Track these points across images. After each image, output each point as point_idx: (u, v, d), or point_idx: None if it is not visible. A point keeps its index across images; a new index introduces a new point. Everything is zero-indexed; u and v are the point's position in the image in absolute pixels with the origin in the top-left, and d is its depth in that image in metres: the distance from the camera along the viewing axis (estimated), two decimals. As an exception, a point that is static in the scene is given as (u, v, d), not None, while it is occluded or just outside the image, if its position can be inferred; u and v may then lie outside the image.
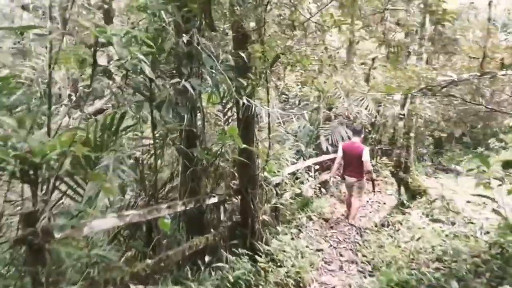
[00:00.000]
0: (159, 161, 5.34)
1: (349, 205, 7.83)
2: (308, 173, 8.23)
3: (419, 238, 5.50)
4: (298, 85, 9.99)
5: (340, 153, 7.56)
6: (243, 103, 3.69)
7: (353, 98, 10.74)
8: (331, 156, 10.29)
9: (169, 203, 3.59)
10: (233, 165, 5.10)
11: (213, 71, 3.56)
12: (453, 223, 5.37)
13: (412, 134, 6.82)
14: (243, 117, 4.32)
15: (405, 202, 6.87)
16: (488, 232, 4.82)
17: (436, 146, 16.76)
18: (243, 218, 4.94)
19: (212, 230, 4.45)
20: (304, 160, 8.72)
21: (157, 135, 4.48)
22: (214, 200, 4.48)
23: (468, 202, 6.45)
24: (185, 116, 3.66)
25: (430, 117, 12.39)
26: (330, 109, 11.98)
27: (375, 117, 11.69)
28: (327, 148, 10.29)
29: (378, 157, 12.10)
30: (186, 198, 4.05)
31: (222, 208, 4.81)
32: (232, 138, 3.94)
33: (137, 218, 3.14)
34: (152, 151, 5.06)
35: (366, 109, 10.89)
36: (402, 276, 4.10)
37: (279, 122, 8.49)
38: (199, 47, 3.59)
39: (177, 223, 4.42)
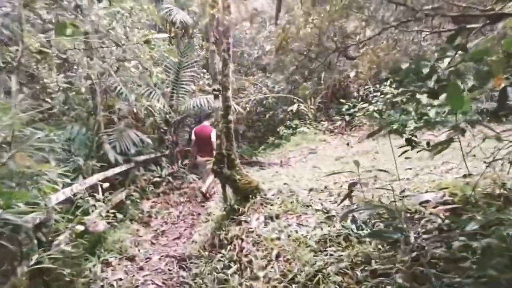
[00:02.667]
0: None
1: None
2: (94, 196, 5.51)
3: (277, 257, 3.76)
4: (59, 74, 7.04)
5: (193, 137, 8.50)
6: None
7: (139, 91, 8.43)
8: (124, 167, 7.74)
9: None
10: None
11: None
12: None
13: (231, 117, 5.10)
14: None
15: (236, 207, 5.12)
16: (364, 226, 3.48)
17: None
18: None
19: None
20: (84, 178, 5.94)
21: None
22: None
23: (311, 190, 5.22)
24: None
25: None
26: (111, 111, 9.34)
27: (169, 113, 9.70)
28: (115, 158, 7.66)
29: (179, 161, 10.19)
30: None
31: None
32: None
33: None
34: None
35: (158, 102, 8.76)
36: None
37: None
38: None
39: None
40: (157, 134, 9.89)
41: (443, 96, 9.40)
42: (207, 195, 8.48)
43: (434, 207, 3.40)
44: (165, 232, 7.01)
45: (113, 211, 6.27)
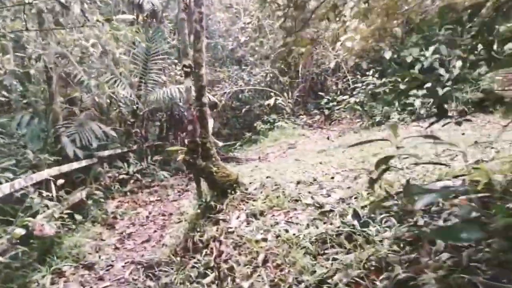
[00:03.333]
0: None
1: None
2: (41, 194, 4.63)
3: (265, 262, 3.09)
4: None
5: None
6: None
7: (104, 78, 7.57)
8: (84, 162, 6.88)
9: None
10: None
11: None
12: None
13: (205, 99, 4.39)
14: None
15: (212, 204, 4.41)
16: (371, 222, 2.86)
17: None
18: None
19: None
20: (33, 172, 5.08)
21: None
22: None
23: (298, 183, 4.58)
24: None
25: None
26: (72, 102, 8.43)
27: (136, 104, 8.85)
28: (74, 153, 6.79)
29: (149, 158, 9.34)
30: None
31: None
32: None
33: None
34: None
35: (124, 90, 7.91)
36: None
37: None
38: None
39: None
40: (124, 127, 9.02)
41: (427, 86, 8.67)
42: None
43: (454, 197, 2.82)
44: (132, 235, 6.22)
45: (70, 211, 5.45)
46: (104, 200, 7.31)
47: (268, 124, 13.75)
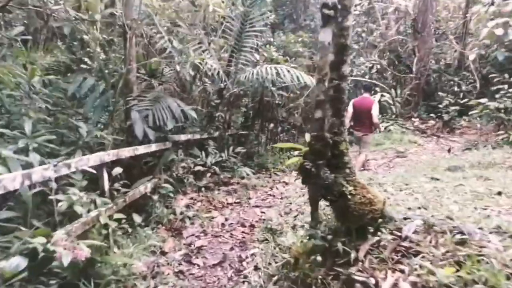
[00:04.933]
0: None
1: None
2: (73, 191, 3.13)
3: None
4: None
5: (350, 109, 7.45)
6: None
7: (189, 46, 6.08)
8: (154, 147, 5.46)
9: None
10: None
11: None
12: None
13: (346, 69, 2.58)
14: None
15: (340, 247, 2.58)
16: None
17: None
18: None
19: None
20: (84, 154, 3.68)
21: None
22: None
23: (498, 232, 2.57)
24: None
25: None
26: (152, 75, 7.12)
27: (224, 82, 7.29)
28: (145, 132, 5.38)
29: (231, 149, 7.75)
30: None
31: None
32: None
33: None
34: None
35: (212, 64, 6.36)
36: None
37: None
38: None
39: None
40: (206, 109, 7.55)
41: None
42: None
43: None
44: (202, 250, 4.65)
45: (121, 218, 3.97)
46: (174, 195, 5.89)
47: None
